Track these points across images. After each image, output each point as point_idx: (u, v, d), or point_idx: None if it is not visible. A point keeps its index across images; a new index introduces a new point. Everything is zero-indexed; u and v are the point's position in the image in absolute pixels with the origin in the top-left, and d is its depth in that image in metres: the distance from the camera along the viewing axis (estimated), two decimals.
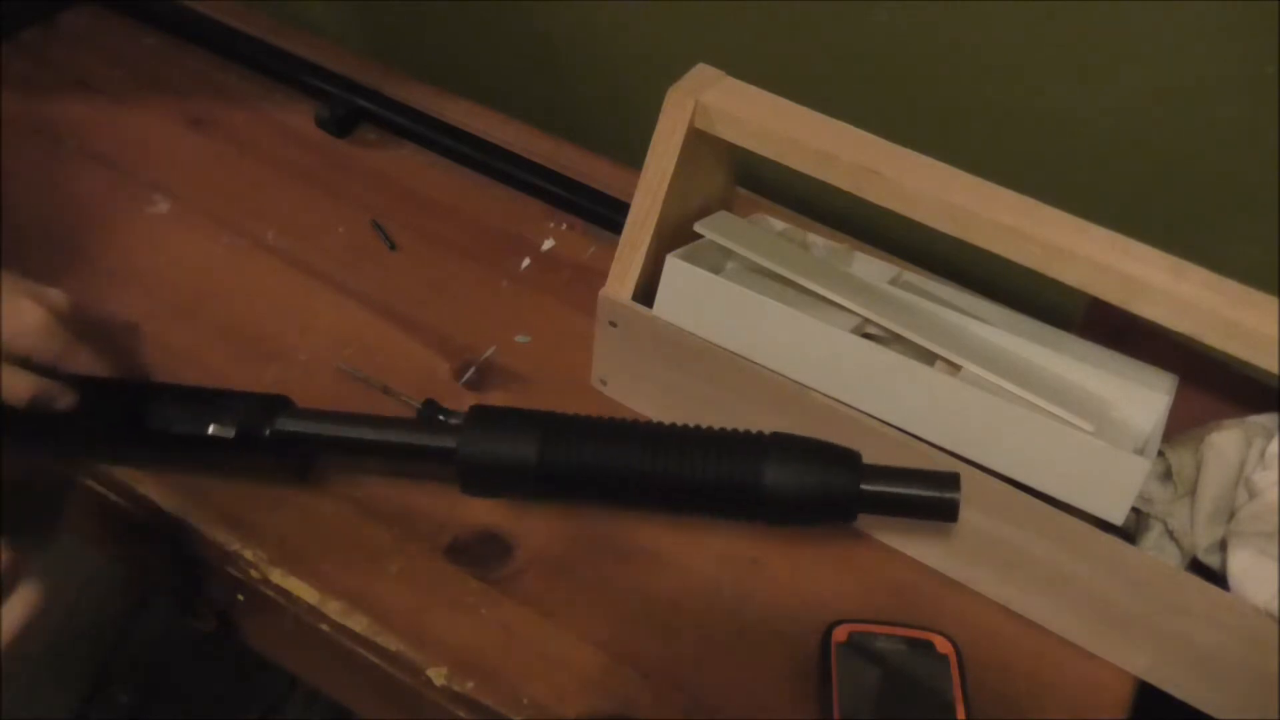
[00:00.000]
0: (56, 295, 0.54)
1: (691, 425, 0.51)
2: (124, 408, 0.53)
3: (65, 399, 0.52)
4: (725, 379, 0.56)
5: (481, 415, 0.51)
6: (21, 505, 0.48)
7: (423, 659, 0.50)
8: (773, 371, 0.55)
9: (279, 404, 0.53)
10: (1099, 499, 0.50)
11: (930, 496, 0.48)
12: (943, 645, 0.50)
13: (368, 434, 0.52)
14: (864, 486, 0.48)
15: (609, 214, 0.72)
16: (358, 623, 0.51)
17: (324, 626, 0.52)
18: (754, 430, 0.50)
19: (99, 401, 0.53)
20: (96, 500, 0.57)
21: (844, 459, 0.49)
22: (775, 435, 0.50)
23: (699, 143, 0.55)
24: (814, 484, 0.48)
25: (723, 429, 0.50)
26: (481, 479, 0.51)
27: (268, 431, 0.52)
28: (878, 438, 0.53)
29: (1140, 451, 0.51)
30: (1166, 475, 0.55)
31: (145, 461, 0.56)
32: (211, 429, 0.52)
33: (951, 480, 0.48)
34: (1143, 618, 0.51)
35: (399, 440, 0.52)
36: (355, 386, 0.61)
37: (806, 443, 0.49)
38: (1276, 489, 0.52)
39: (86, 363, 0.54)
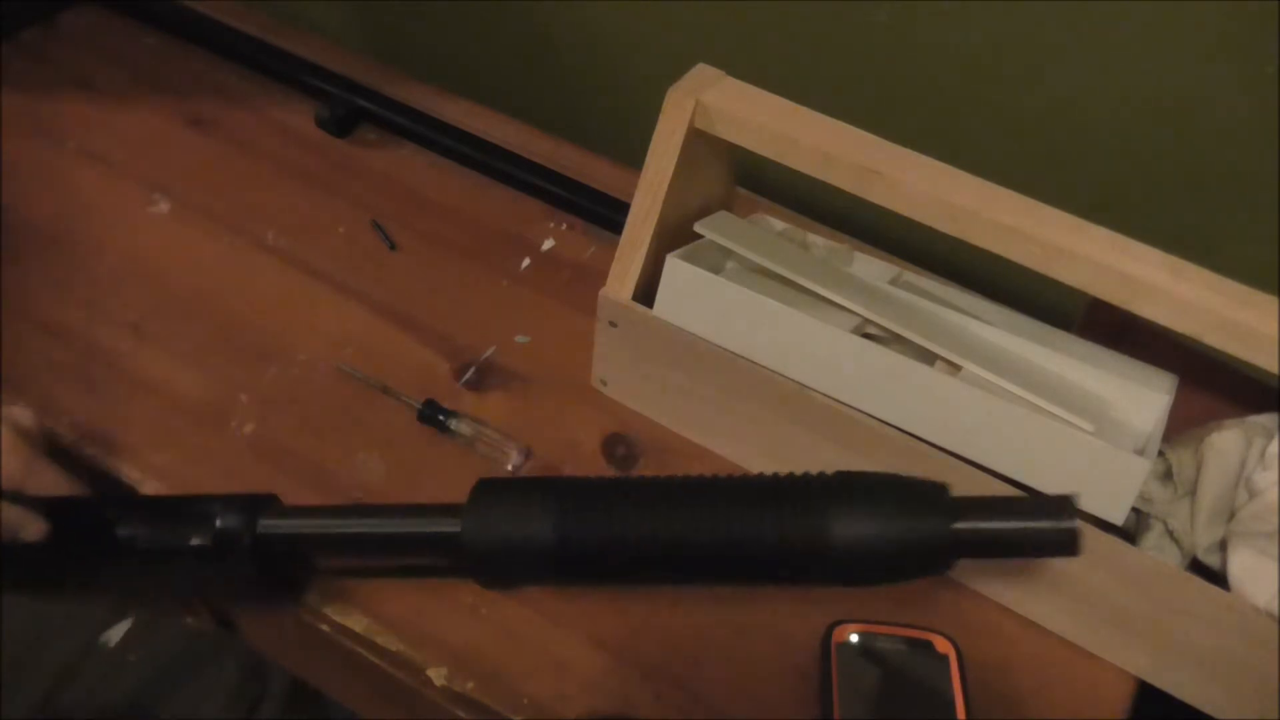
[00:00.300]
0: (19, 412, 0.49)
1: (737, 475, 0.44)
2: (94, 528, 0.48)
3: (33, 527, 0.46)
4: (725, 379, 0.56)
5: (486, 490, 0.45)
6: None
7: (423, 659, 0.50)
8: (773, 371, 0.55)
9: (262, 503, 0.48)
10: (1099, 499, 0.50)
11: (1042, 529, 0.40)
12: (943, 645, 0.50)
13: (359, 527, 0.47)
14: (957, 526, 0.40)
15: (609, 214, 0.72)
16: (357, 623, 0.51)
17: (324, 627, 0.52)
18: (815, 473, 0.43)
19: (67, 523, 0.47)
20: None
21: (928, 497, 0.40)
22: (842, 477, 0.42)
23: (699, 143, 0.55)
24: (895, 534, 0.40)
25: (775, 474, 0.43)
26: (493, 565, 0.44)
27: (249, 538, 0.46)
28: (878, 438, 0.53)
29: (1140, 451, 0.51)
30: (1166, 475, 0.55)
31: (121, 583, 0.53)
32: (193, 541, 0.47)
33: (1064, 507, 0.40)
34: (1143, 618, 0.51)
35: (396, 531, 0.46)
36: (355, 386, 0.62)
37: (880, 482, 0.41)
38: (1276, 489, 0.52)
39: (53, 482, 0.48)
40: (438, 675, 0.50)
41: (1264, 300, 0.46)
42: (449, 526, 0.45)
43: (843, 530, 0.40)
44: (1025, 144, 0.70)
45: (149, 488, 0.55)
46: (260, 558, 0.47)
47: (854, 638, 0.50)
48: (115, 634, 0.70)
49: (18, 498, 0.46)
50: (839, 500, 0.41)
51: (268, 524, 0.47)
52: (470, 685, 0.50)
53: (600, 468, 0.59)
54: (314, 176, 0.75)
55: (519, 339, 0.66)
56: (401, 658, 0.51)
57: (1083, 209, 0.49)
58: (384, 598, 0.52)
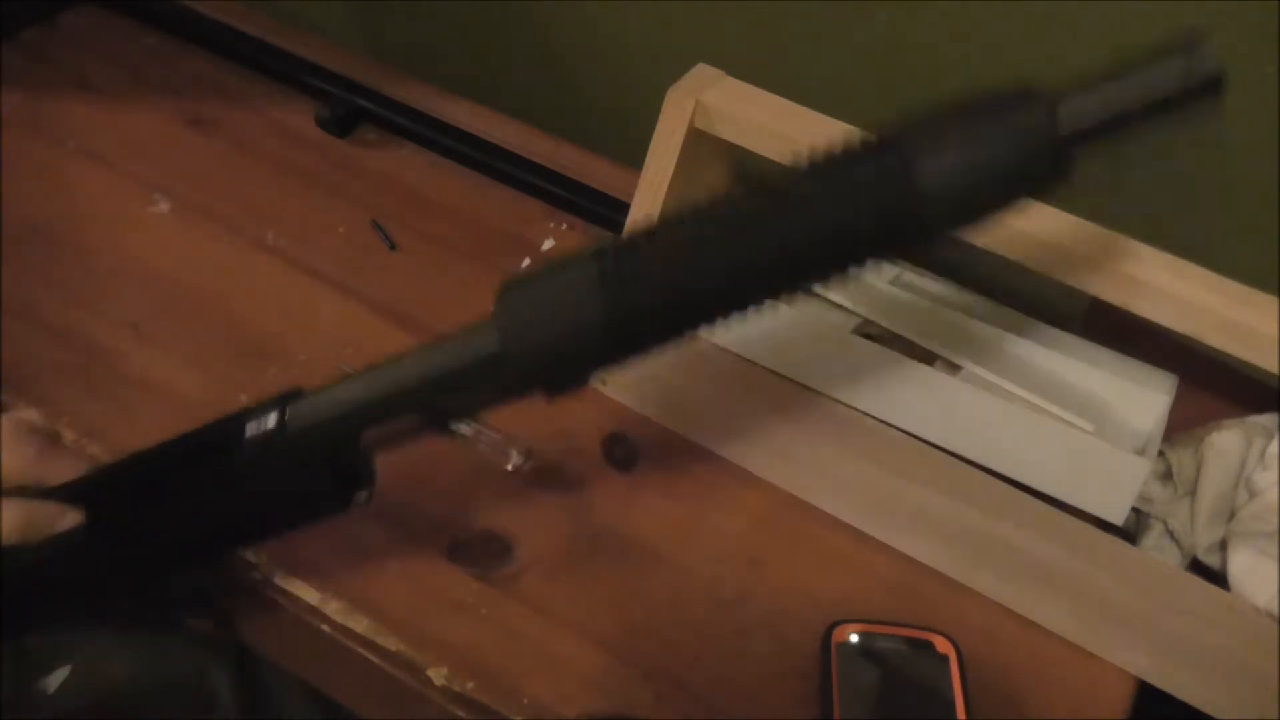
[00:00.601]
0: (23, 410, 0.47)
1: (786, 168, 0.36)
2: (123, 494, 0.44)
3: (67, 516, 0.42)
4: (725, 379, 0.56)
5: (512, 289, 0.39)
6: None
7: (423, 659, 0.50)
8: (773, 372, 0.55)
9: (284, 398, 0.43)
10: (1099, 499, 0.50)
11: (1165, 83, 0.32)
12: (943, 645, 0.50)
13: (392, 382, 0.41)
14: (1064, 118, 0.32)
15: (609, 214, 0.72)
16: (358, 623, 0.51)
17: (324, 627, 0.52)
18: (872, 135, 0.36)
19: (98, 500, 0.43)
20: None
21: (1017, 94, 0.33)
22: (903, 121, 0.35)
23: (699, 143, 0.55)
24: (994, 148, 0.33)
25: (828, 150, 0.36)
26: (547, 370, 0.39)
27: (281, 439, 0.42)
28: (878, 438, 0.53)
29: (1140, 451, 0.51)
30: (1166, 475, 0.55)
31: (169, 560, 0.47)
32: (227, 463, 0.42)
33: (1195, 49, 0.31)
34: (1143, 618, 0.51)
35: (432, 373, 0.40)
36: None
37: (951, 105, 0.34)
38: (1276, 489, 0.52)
39: (72, 468, 0.45)
40: (438, 675, 0.50)
41: (1264, 300, 0.46)
42: (486, 345, 0.39)
43: (932, 168, 0.33)
44: None
45: None
46: (301, 455, 0.42)
47: (854, 638, 0.50)
48: (54, 681, 0.69)
49: (42, 491, 0.43)
50: (913, 142, 0.34)
51: (297, 412, 0.42)
52: (470, 685, 0.50)
53: (600, 468, 0.59)
54: (314, 176, 0.75)
55: None
56: (401, 658, 0.51)
57: (1082, 209, 0.49)
58: (384, 597, 0.52)
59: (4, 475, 0.42)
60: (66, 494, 0.43)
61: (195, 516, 0.44)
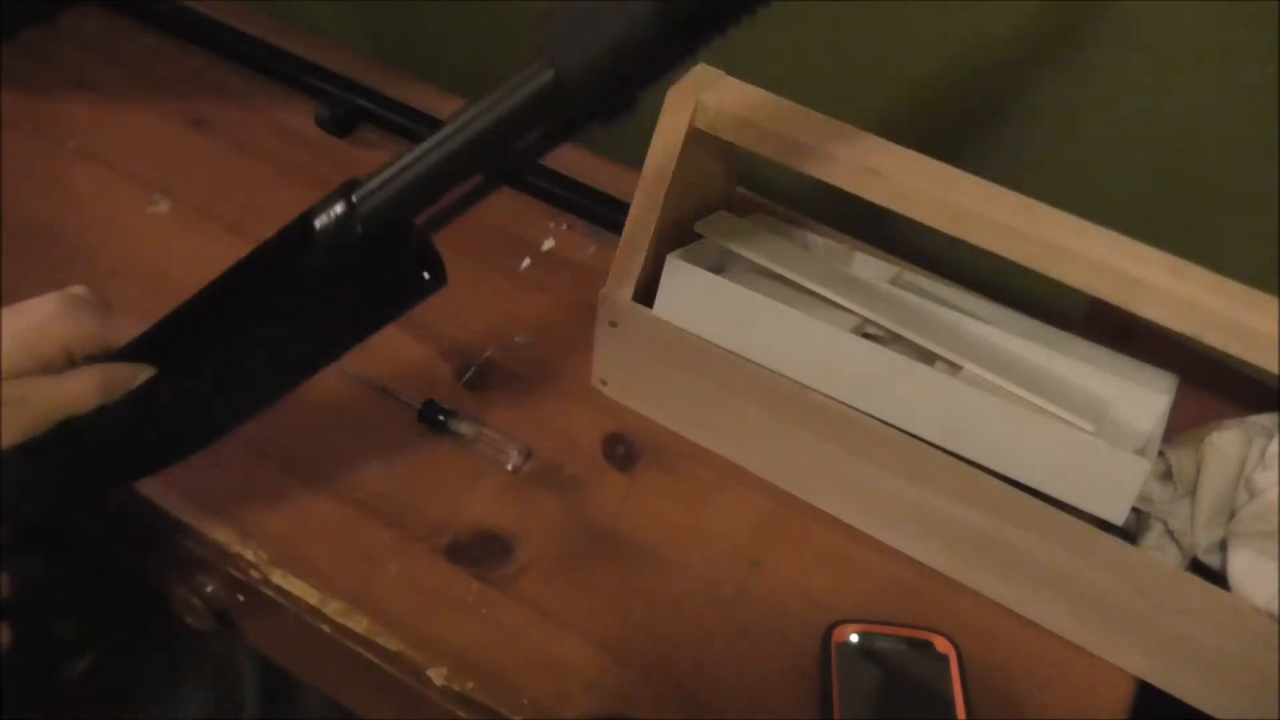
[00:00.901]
0: (73, 287, 0.47)
1: None
2: (193, 331, 0.43)
3: (141, 373, 0.43)
4: (725, 379, 0.56)
5: (554, 11, 0.37)
6: None
7: (423, 659, 0.50)
8: (773, 371, 0.55)
9: (346, 187, 0.41)
10: (1099, 499, 0.50)
11: None
12: (943, 645, 0.50)
13: (456, 140, 0.41)
14: None
15: (609, 214, 0.72)
16: (358, 623, 0.51)
17: (324, 627, 0.52)
18: None
19: (166, 346, 0.43)
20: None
21: None
22: None
23: (699, 143, 0.55)
24: None
25: None
26: (604, 90, 0.37)
27: (353, 220, 0.40)
28: (878, 438, 0.53)
29: (1140, 451, 0.51)
30: (1166, 475, 0.55)
31: (271, 380, 0.46)
32: (302, 266, 0.41)
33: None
34: (1143, 618, 0.51)
35: (494, 118, 0.40)
36: (355, 386, 0.62)
37: None
38: (1277, 489, 0.52)
39: (132, 326, 0.45)
40: (438, 675, 0.50)
41: (1264, 300, 0.46)
42: (541, 76, 0.38)
43: None
44: (1025, 144, 0.70)
45: (145, 487, 0.55)
46: (376, 235, 0.41)
47: (854, 638, 0.50)
48: (77, 668, 0.69)
49: (112, 355, 0.44)
50: None
51: (364, 193, 0.41)
52: (470, 685, 0.50)
53: (600, 468, 0.59)
54: (314, 176, 0.75)
55: (519, 339, 0.66)
56: (401, 658, 0.51)
57: (1083, 209, 0.49)
58: (384, 597, 0.52)
59: (72, 348, 0.43)
60: (134, 352, 0.43)
61: (274, 334, 0.43)
